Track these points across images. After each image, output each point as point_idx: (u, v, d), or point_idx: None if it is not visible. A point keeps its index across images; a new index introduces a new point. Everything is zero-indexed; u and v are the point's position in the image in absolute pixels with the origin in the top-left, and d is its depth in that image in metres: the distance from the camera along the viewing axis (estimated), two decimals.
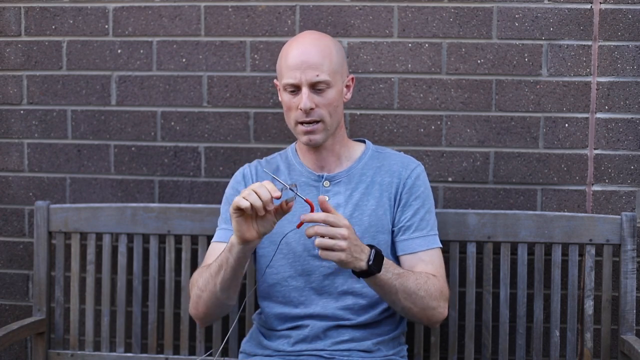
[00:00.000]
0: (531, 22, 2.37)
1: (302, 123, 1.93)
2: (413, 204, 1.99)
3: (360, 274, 1.79)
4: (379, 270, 1.78)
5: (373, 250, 1.78)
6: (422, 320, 1.97)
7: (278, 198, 1.70)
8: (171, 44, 2.49)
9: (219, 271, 1.83)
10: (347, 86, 2.02)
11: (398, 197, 2.00)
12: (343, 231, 1.71)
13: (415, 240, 1.97)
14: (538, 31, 2.37)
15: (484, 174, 2.42)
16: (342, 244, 1.70)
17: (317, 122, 1.92)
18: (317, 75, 1.90)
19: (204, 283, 1.89)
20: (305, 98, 1.89)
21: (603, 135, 2.37)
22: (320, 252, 1.73)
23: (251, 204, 1.68)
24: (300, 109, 1.91)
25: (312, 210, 1.75)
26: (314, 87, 1.91)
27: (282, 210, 1.75)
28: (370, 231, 1.97)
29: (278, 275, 2.00)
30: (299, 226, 1.75)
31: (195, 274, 1.97)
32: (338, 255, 1.71)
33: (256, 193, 1.68)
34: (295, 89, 1.92)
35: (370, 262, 1.76)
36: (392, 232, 2.00)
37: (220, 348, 2.27)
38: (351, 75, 2.04)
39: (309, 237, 1.73)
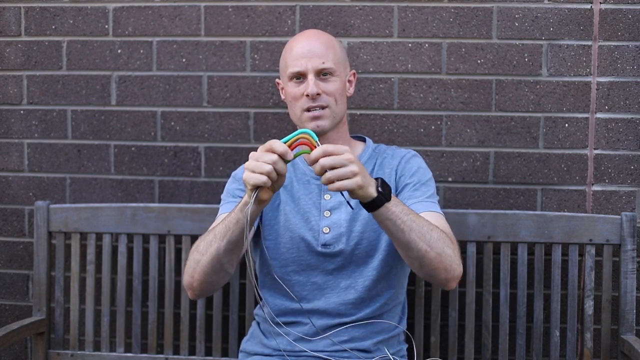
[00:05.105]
0: (531, 22, 2.37)
1: (308, 110, 1.95)
2: (408, 183, 1.98)
3: (371, 206, 1.71)
4: (389, 199, 1.71)
5: (380, 179, 1.72)
6: (439, 273, 1.78)
7: (290, 160, 1.64)
8: (171, 44, 2.49)
9: (226, 233, 1.76)
10: (350, 81, 2.07)
11: (396, 186, 2.00)
12: (348, 155, 1.64)
13: (412, 206, 1.88)
14: (538, 31, 2.37)
15: (484, 174, 2.42)
16: (354, 167, 1.64)
17: (323, 107, 1.94)
18: (323, 62, 1.95)
19: (205, 246, 1.82)
20: (311, 84, 1.93)
21: (603, 135, 2.37)
22: (335, 185, 1.64)
23: (268, 176, 1.63)
24: (307, 95, 1.93)
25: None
26: (320, 74, 1.95)
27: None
28: (372, 222, 1.96)
29: (282, 269, 2.00)
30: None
31: (197, 240, 1.88)
32: (355, 181, 1.64)
33: (268, 163, 1.63)
34: (301, 77, 1.96)
35: (379, 189, 1.70)
36: None
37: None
38: (353, 71, 2.09)
39: (319, 174, 1.65)
